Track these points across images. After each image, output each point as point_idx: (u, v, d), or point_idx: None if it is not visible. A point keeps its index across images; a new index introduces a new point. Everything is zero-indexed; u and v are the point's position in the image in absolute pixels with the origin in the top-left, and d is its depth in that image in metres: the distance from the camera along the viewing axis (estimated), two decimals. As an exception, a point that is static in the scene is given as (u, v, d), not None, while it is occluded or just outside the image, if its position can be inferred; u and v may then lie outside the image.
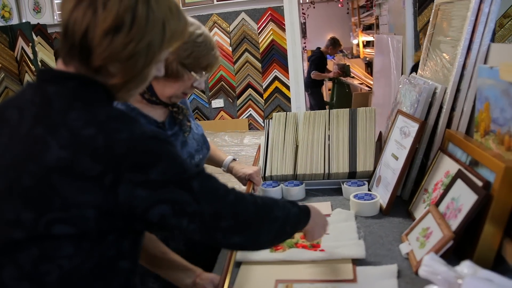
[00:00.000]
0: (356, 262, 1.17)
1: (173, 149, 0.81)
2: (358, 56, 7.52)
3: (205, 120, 4.13)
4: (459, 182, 1.17)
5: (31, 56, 3.70)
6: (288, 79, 3.82)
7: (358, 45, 7.52)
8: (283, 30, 3.73)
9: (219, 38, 3.89)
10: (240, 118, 4.05)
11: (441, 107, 1.43)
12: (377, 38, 4.46)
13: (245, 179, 1.58)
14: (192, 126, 1.43)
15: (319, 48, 6.22)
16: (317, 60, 6.08)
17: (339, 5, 8.94)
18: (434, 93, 1.45)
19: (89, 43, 0.76)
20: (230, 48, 3.91)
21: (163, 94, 1.27)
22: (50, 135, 0.74)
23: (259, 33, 3.81)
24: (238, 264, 1.23)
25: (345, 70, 6.32)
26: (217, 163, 1.65)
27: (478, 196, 1.05)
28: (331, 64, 6.75)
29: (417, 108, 1.48)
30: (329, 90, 6.91)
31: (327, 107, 6.24)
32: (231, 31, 3.87)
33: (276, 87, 3.88)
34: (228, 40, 3.90)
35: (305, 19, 8.82)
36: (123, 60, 0.78)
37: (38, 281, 0.75)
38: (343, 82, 6.39)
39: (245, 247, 0.94)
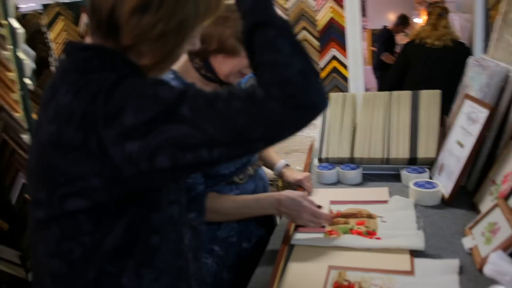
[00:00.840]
0: (414, 253, 1.12)
1: (138, 82, 0.72)
2: (421, 36, 7.13)
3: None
4: (534, 175, 1.08)
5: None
6: (347, 59, 3.70)
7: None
8: (342, 7, 3.59)
9: (276, 15, 3.82)
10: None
11: (514, 93, 1.32)
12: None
13: (296, 185, 1.56)
14: None
15: (385, 26, 5.90)
16: (387, 41, 5.65)
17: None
18: (507, 76, 1.34)
19: (116, 20, 0.74)
20: (288, 26, 3.83)
21: (221, 72, 1.25)
22: (44, 111, 0.75)
23: (317, 10, 3.70)
24: (291, 247, 1.22)
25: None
26: (270, 166, 1.64)
27: (557, 192, 0.96)
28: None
29: (487, 92, 1.37)
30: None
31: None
32: (289, 8, 3.78)
33: (334, 67, 3.77)
34: (286, 17, 3.81)
35: (365, -4, 8.48)
36: (153, 40, 0.75)
37: (65, 259, 0.75)
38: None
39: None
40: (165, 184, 0.81)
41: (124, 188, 0.72)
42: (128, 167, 0.68)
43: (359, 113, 1.74)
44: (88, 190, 0.71)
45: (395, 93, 1.72)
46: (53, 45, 3.91)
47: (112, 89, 0.69)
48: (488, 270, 0.92)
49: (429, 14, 3.20)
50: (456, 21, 3.24)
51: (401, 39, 6.50)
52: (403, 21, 5.78)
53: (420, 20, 7.15)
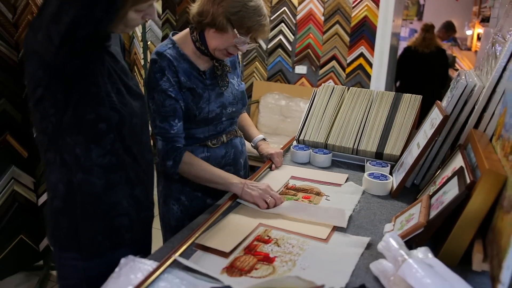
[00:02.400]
0: (337, 229, 1.26)
1: None
2: (471, 49, 6.99)
3: (286, 83, 4.25)
4: (455, 179, 1.20)
5: None
6: (373, 58, 3.77)
7: (472, 36, 6.98)
8: (378, 7, 3.65)
9: (313, 6, 3.92)
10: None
11: (474, 106, 1.42)
12: (485, 32, 4.16)
13: (266, 158, 1.71)
14: (234, 83, 1.58)
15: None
16: None
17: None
18: (472, 90, 1.44)
19: None
20: (322, 18, 3.93)
21: (211, 45, 1.43)
22: None
23: (353, 7, 3.77)
24: (238, 204, 1.39)
25: (450, 62, 5.96)
26: (248, 138, 1.80)
27: (458, 193, 1.08)
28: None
29: (450, 102, 1.47)
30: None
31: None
32: (326, 1, 3.88)
33: (360, 64, 3.85)
34: (322, 10, 3.91)
35: (424, 0, 8.33)
36: None
37: (44, 132, 1.10)
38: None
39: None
40: (82, 67, 1.06)
41: (54, 73, 1.02)
42: (45, 52, 0.98)
43: (343, 105, 1.87)
44: (40, 81, 1.04)
45: (380, 91, 1.84)
46: None
47: None
48: (379, 245, 1.05)
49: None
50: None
51: (447, 48, 6.41)
52: (447, 27, 5.69)
53: (470, 31, 6.98)
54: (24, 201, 2.39)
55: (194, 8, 1.43)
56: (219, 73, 1.51)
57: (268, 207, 1.35)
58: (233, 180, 1.42)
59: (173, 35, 1.52)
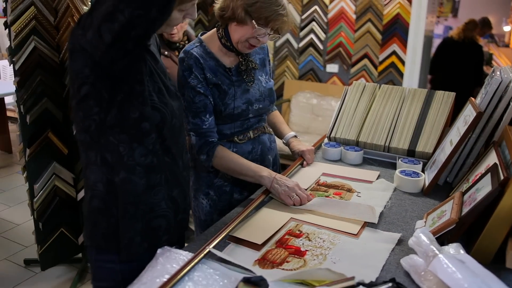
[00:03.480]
0: (368, 224, 1.27)
1: None
2: (509, 45, 6.78)
3: (317, 82, 4.25)
4: (488, 175, 1.19)
5: None
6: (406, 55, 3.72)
7: (510, 33, 6.76)
8: (411, 4, 3.60)
9: (344, 4, 3.91)
10: (351, 86, 4.09)
11: (509, 102, 1.40)
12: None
13: (298, 154, 1.73)
14: (261, 80, 1.61)
15: None
16: None
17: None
18: (507, 86, 1.41)
19: None
20: (354, 16, 3.91)
21: (234, 39, 1.48)
22: None
23: (385, 4, 3.74)
24: (270, 198, 1.43)
25: (487, 59, 5.80)
26: (280, 135, 1.82)
27: (491, 189, 1.07)
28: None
29: (484, 98, 1.46)
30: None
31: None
32: (358, -1, 3.86)
33: (392, 62, 3.81)
34: (354, 8, 3.89)
35: (460, -4, 8.14)
36: None
37: (87, 131, 1.11)
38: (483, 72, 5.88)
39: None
40: (129, 66, 1.07)
41: (101, 71, 1.03)
42: (94, 50, 0.99)
43: (375, 102, 1.87)
44: (86, 79, 1.05)
45: (412, 89, 1.83)
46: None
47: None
48: (410, 241, 1.06)
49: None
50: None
51: (484, 45, 6.24)
52: (483, 23, 5.54)
53: (508, 28, 6.77)
54: (64, 196, 2.49)
55: (217, 4, 1.49)
56: (243, 68, 1.55)
57: (294, 205, 1.37)
58: (263, 173, 1.44)
59: (201, 35, 1.57)
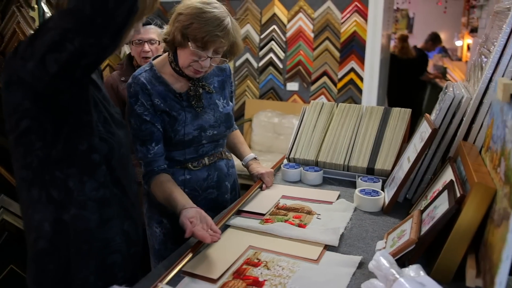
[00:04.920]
0: (329, 248, 1.24)
1: None
2: (461, 59, 7.05)
3: (278, 100, 4.25)
4: (445, 193, 1.18)
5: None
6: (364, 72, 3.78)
7: (462, 47, 7.04)
8: (367, 22, 3.68)
9: (302, 23, 3.95)
10: (312, 104, 4.12)
11: (462, 118, 1.41)
12: (474, 42, 4.20)
13: (257, 177, 1.68)
14: (219, 104, 1.57)
15: (415, 46, 5.92)
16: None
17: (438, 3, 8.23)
18: (460, 102, 1.43)
19: None
20: (312, 34, 3.95)
21: (180, 63, 1.44)
22: None
23: (342, 23, 3.80)
24: (227, 226, 1.37)
25: (441, 72, 6.00)
26: (239, 156, 1.77)
27: (448, 207, 1.06)
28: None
29: (438, 115, 1.46)
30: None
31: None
32: (315, 18, 3.91)
33: (351, 79, 3.86)
34: (311, 26, 3.94)
35: (413, 14, 8.44)
36: None
37: (29, 167, 1.02)
38: (438, 85, 6.07)
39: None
40: (75, 96, 1.01)
41: (44, 103, 0.97)
42: (36, 81, 0.92)
43: (333, 121, 1.86)
44: (25, 112, 0.98)
45: (369, 106, 1.83)
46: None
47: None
48: (371, 265, 1.03)
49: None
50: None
51: (438, 60, 6.46)
52: (434, 39, 5.77)
53: (460, 42, 7.05)
54: (14, 230, 2.35)
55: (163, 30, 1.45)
56: (191, 94, 1.50)
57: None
58: (185, 207, 1.29)
59: (154, 59, 1.52)
